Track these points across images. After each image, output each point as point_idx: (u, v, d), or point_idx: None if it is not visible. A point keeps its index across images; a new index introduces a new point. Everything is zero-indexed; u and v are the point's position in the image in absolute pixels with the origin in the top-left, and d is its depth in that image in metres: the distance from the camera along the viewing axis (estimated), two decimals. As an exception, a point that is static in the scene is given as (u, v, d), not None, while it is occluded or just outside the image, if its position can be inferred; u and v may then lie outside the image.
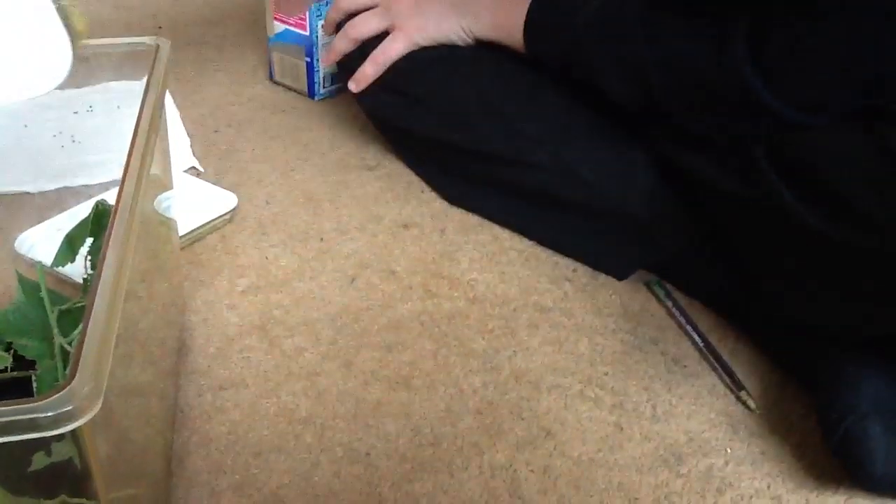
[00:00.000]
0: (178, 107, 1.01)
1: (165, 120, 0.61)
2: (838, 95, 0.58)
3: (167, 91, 0.59)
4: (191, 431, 0.61)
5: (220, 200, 0.83)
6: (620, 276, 0.78)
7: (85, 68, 0.63)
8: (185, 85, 1.08)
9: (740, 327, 0.73)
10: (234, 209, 0.83)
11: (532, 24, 0.80)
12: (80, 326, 0.36)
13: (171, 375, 0.62)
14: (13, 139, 0.87)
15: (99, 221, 0.57)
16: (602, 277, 0.78)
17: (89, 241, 0.58)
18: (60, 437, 0.33)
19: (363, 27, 0.90)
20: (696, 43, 0.64)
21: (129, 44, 0.61)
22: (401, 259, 0.79)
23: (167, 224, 0.66)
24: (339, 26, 0.93)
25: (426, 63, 0.87)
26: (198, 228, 0.79)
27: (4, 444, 0.32)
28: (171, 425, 0.60)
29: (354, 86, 0.90)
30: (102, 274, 0.39)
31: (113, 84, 0.67)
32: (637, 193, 0.75)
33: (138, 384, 0.50)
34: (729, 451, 0.62)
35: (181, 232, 0.76)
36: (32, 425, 0.32)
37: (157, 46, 0.59)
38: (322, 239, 0.81)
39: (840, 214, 0.58)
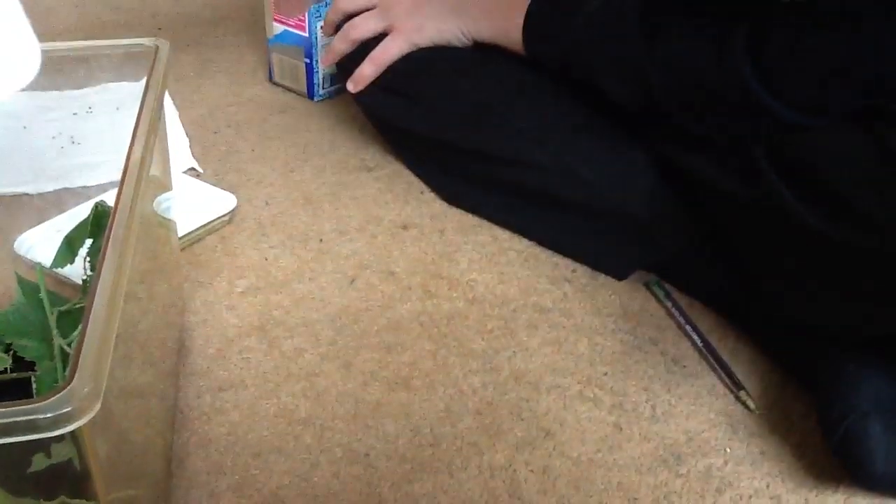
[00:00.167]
0: (178, 108, 1.01)
1: (165, 121, 0.61)
2: (838, 96, 0.58)
3: (166, 92, 0.59)
4: (190, 432, 0.61)
5: (219, 201, 0.83)
6: (620, 277, 0.78)
7: (84, 69, 0.63)
8: (184, 86, 1.08)
9: (740, 327, 0.73)
10: (233, 210, 0.83)
11: (531, 25, 0.80)
12: (80, 327, 0.36)
13: (170, 376, 0.62)
14: (12, 140, 0.87)
15: (98, 222, 0.57)
16: (601, 278, 0.78)
17: (89, 242, 0.58)
18: (60, 438, 0.33)
19: (362, 28, 0.90)
20: (695, 43, 0.64)
21: (128, 45, 0.61)
22: (400, 260, 0.79)
23: (166, 225, 0.66)
24: (338, 27, 0.93)
25: (425, 64, 0.87)
26: (197, 229, 0.79)
27: (4, 445, 0.32)
28: (171, 426, 0.60)
29: (353, 86, 0.90)
30: (102, 275, 0.39)
31: (112, 85, 0.67)
32: (637, 193, 0.75)
33: (138, 385, 0.50)
34: (728, 450, 0.62)
35: (180, 233, 0.76)
36: (32, 426, 0.32)
37: (157, 47, 0.59)
38: (321, 240, 0.81)
39: (840, 214, 0.58)
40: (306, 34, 1.01)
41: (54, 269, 0.60)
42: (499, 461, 0.60)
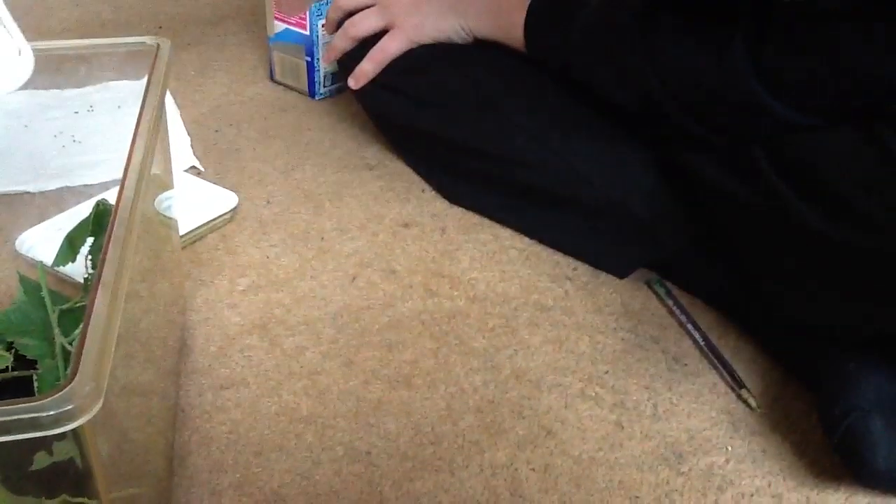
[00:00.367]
0: (179, 106, 1.02)
1: (166, 119, 0.61)
2: (838, 96, 0.58)
3: (167, 90, 0.59)
4: (192, 431, 0.61)
5: (220, 200, 0.83)
6: (621, 275, 0.78)
7: (86, 68, 0.63)
8: (185, 84, 1.08)
9: (741, 326, 0.73)
10: (234, 208, 0.83)
11: (532, 23, 0.80)
12: (81, 326, 0.36)
13: (171, 375, 0.62)
14: (14, 139, 0.87)
15: (100, 221, 0.57)
16: (602, 276, 0.78)
17: (90, 240, 0.58)
18: (62, 437, 0.33)
19: (362, 26, 0.90)
20: (695, 44, 0.64)
21: (129, 43, 0.61)
22: (401, 258, 0.79)
23: (168, 224, 0.66)
24: (339, 25, 0.93)
25: (426, 61, 0.87)
26: (198, 228, 0.79)
27: (6, 443, 0.32)
28: (173, 424, 0.60)
29: (353, 82, 0.91)
30: (103, 273, 0.39)
31: (113, 84, 0.67)
32: (637, 192, 0.75)
33: (139, 383, 0.50)
34: (730, 449, 0.62)
35: (182, 231, 0.76)
36: (33, 424, 0.32)
37: (158, 46, 0.59)
38: (323, 238, 0.81)
39: (840, 214, 0.58)
40: (307, 33, 1.01)
41: (55, 268, 0.60)
42: (500, 459, 0.60)
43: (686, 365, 0.69)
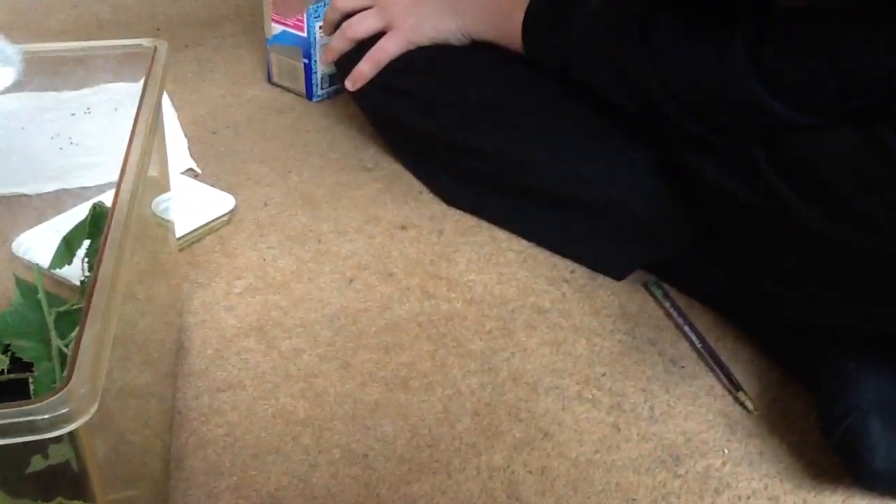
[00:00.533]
0: (176, 108, 1.01)
1: (163, 121, 0.61)
2: (838, 96, 0.59)
3: (165, 92, 0.59)
4: (189, 433, 0.61)
5: (217, 202, 0.83)
6: (618, 277, 0.78)
7: (83, 70, 0.63)
8: (182, 86, 1.08)
9: (738, 328, 0.73)
10: (231, 211, 0.83)
11: (530, 24, 0.80)
12: (78, 328, 0.36)
13: (168, 377, 0.62)
14: (11, 141, 0.87)
15: (96, 223, 0.57)
16: (600, 278, 0.78)
17: (87, 242, 0.58)
18: (58, 440, 0.33)
19: (359, 27, 0.90)
20: (695, 44, 0.64)
21: (126, 45, 0.61)
22: (399, 260, 0.79)
23: (165, 226, 0.66)
24: (337, 27, 0.93)
25: (424, 62, 0.87)
26: (196, 230, 0.79)
27: (2, 446, 0.32)
28: (169, 427, 0.60)
29: (351, 84, 0.91)
30: (100, 276, 0.39)
31: (111, 86, 0.67)
32: (637, 193, 0.75)
33: (136, 386, 0.50)
34: (726, 451, 0.62)
35: (179, 233, 0.76)
36: (29, 427, 0.32)
37: (155, 48, 0.59)
38: (320, 240, 0.81)
39: (840, 214, 0.58)
40: (305, 34, 1.01)
41: (52, 270, 0.60)
42: (497, 462, 0.60)
43: (683, 367, 0.69)
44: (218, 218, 0.81)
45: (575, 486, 0.59)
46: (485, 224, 0.84)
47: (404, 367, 0.67)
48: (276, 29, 1.04)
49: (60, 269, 0.58)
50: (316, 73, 1.04)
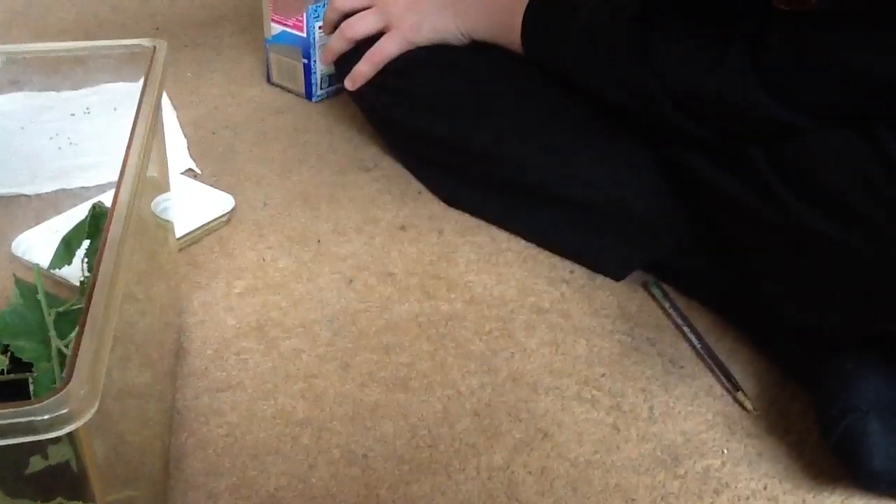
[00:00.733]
0: (176, 108, 1.01)
1: (162, 122, 0.61)
2: (837, 97, 0.59)
3: (164, 93, 0.59)
4: (188, 434, 0.61)
5: (217, 202, 0.83)
6: (618, 277, 0.78)
7: (82, 70, 0.63)
8: (182, 86, 1.08)
9: (737, 328, 0.73)
10: (231, 211, 0.83)
11: (529, 26, 0.80)
12: (77, 329, 0.36)
13: (168, 377, 0.62)
14: (10, 141, 0.87)
15: (96, 223, 0.57)
16: (599, 278, 0.78)
17: (86, 243, 0.58)
18: (57, 440, 0.33)
19: (358, 27, 0.90)
20: (694, 46, 0.64)
21: (126, 45, 0.61)
22: (398, 261, 0.79)
23: (164, 226, 0.66)
24: (337, 26, 0.93)
25: (423, 62, 0.87)
26: (195, 230, 0.79)
27: (1, 446, 0.32)
28: (169, 427, 0.60)
29: (350, 84, 0.91)
30: (99, 276, 0.39)
31: (110, 86, 0.67)
32: (637, 193, 0.75)
33: (135, 386, 0.50)
34: (726, 451, 0.62)
35: (178, 234, 0.76)
36: (29, 428, 0.32)
37: (155, 48, 0.59)
38: (319, 241, 0.81)
39: (839, 215, 0.58)
40: (304, 34, 1.01)
41: (52, 270, 0.60)
42: (497, 462, 0.60)
43: (682, 368, 0.69)
44: (217, 218, 0.81)
45: (574, 486, 0.59)
46: (484, 224, 0.84)
47: (404, 367, 0.67)
48: (276, 29, 1.04)
49: (60, 269, 0.58)
50: (315, 73, 1.04)
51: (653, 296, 0.76)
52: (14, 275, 0.59)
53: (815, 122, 0.60)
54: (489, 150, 0.82)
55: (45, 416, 0.32)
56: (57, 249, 0.58)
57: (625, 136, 0.76)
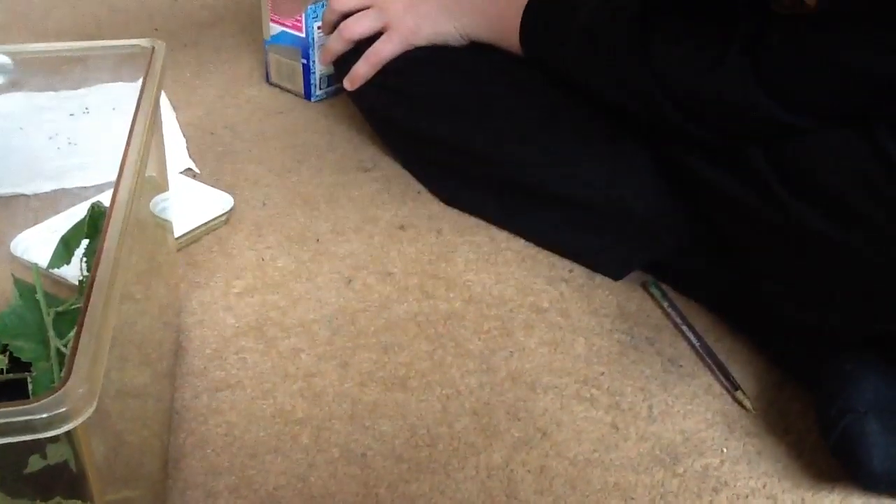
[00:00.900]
0: (175, 108, 1.01)
1: (161, 121, 0.61)
2: (837, 98, 0.59)
3: (163, 93, 0.59)
4: (187, 433, 0.61)
5: (216, 202, 0.83)
6: (617, 277, 0.78)
7: (81, 70, 0.63)
8: (181, 87, 1.08)
9: (737, 327, 0.73)
10: (230, 211, 0.83)
11: (528, 26, 0.80)
12: (76, 328, 0.36)
13: (167, 377, 0.62)
14: (9, 141, 0.87)
15: (95, 223, 0.57)
16: (598, 278, 0.78)
17: (85, 242, 0.58)
18: (56, 439, 0.33)
19: (356, 28, 0.90)
20: (694, 47, 0.64)
21: (125, 46, 0.61)
22: (397, 260, 0.79)
23: (163, 226, 0.66)
24: (336, 27, 0.93)
25: (423, 62, 0.87)
26: (194, 230, 0.79)
27: (0, 445, 0.32)
28: (168, 427, 0.60)
29: (349, 84, 0.91)
30: (98, 276, 0.39)
31: (109, 86, 0.67)
32: (637, 193, 0.75)
33: (134, 386, 0.50)
34: (725, 450, 0.62)
35: (177, 233, 0.76)
36: (27, 427, 0.32)
37: (153, 48, 0.59)
38: (318, 240, 0.81)
39: (838, 215, 0.58)
40: (303, 35, 1.01)
41: (51, 270, 0.60)
42: (496, 461, 0.60)
43: (681, 367, 0.69)
44: (216, 218, 0.81)
45: (573, 485, 0.59)
46: (483, 224, 0.84)
47: (403, 366, 0.67)
48: (275, 29, 1.04)
49: (59, 268, 0.58)
50: (314, 73, 1.04)
51: (652, 295, 0.76)
52: (13, 274, 0.59)
53: (815, 123, 0.60)
54: (489, 150, 0.82)
55: (44, 415, 0.32)
56: (56, 249, 0.58)
57: (625, 136, 0.76)
